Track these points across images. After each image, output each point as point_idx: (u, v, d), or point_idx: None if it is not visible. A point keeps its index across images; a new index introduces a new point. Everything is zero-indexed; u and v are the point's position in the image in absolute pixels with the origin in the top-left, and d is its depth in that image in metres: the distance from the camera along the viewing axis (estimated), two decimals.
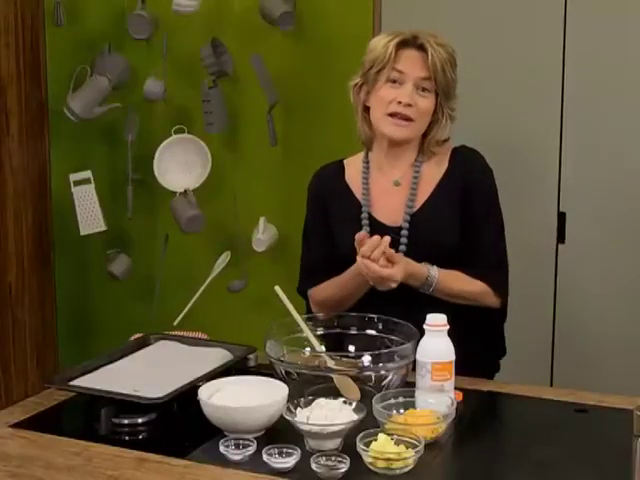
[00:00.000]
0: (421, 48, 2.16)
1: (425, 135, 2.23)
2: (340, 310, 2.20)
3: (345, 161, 2.34)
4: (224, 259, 3.37)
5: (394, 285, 2.05)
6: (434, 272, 2.11)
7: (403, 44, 2.17)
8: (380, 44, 2.18)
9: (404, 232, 2.18)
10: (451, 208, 2.19)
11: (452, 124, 2.25)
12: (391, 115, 2.16)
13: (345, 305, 2.23)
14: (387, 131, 2.19)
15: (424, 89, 2.16)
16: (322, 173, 2.36)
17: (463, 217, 2.19)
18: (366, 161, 2.30)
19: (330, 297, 2.25)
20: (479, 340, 2.21)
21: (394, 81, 2.16)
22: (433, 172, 2.24)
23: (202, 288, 3.34)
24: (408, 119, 2.16)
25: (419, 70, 2.15)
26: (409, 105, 2.14)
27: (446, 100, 2.19)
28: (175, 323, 3.20)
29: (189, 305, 3.32)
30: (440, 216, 2.19)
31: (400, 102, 2.14)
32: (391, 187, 2.25)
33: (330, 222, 2.28)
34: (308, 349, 2.01)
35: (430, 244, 2.15)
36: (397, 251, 2.11)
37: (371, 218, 2.23)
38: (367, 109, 2.24)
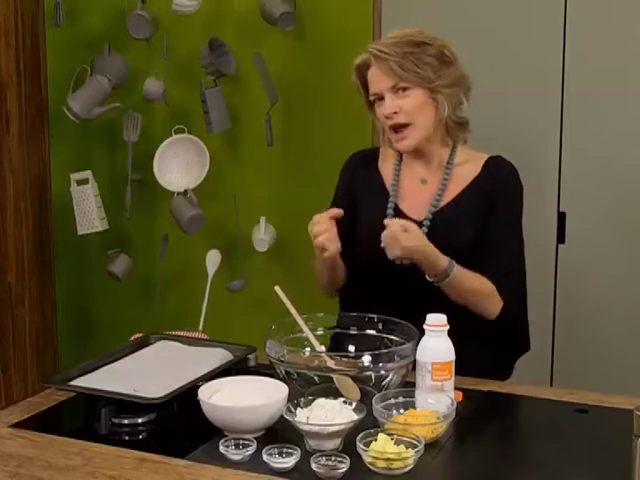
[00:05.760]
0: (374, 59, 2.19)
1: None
2: (336, 286, 2.31)
3: (382, 149, 2.37)
4: (216, 257, 3.36)
5: (398, 252, 2.05)
6: (454, 264, 2.10)
7: (361, 68, 2.23)
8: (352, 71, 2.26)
9: (424, 229, 2.19)
10: (473, 213, 2.20)
11: (462, 94, 2.24)
12: (391, 130, 2.21)
13: (333, 281, 2.31)
14: (396, 148, 2.25)
15: (403, 89, 2.18)
16: (356, 156, 2.41)
17: (484, 225, 2.19)
18: (399, 155, 2.32)
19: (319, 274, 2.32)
20: (480, 340, 2.21)
21: (377, 99, 2.21)
22: (463, 175, 2.25)
23: (207, 288, 3.34)
24: (403, 126, 2.19)
25: (385, 82, 2.18)
26: (395, 113, 2.18)
27: (429, 80, 2.18)
28: (200, 328, 3.19)
29: (204, 309, 3.31)
30: (461, 218, 2.20)
31: (387, 117, 2.19)
32: (418, 184, 2.28)
33: (357, 203, 2.31)
34: (308, 349, 2.01)
35: (445, 243, 2.14)
36: None
37: (396, 209, 2.25)
38: None
